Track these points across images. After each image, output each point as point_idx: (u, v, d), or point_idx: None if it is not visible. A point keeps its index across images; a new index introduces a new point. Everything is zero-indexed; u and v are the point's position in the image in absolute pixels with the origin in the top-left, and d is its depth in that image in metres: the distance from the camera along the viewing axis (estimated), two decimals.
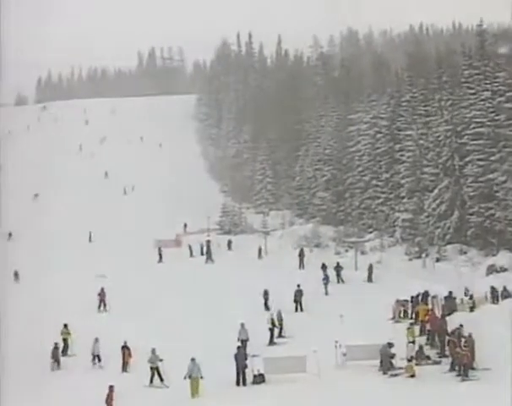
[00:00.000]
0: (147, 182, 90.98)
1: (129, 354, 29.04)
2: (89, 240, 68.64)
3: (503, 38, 68.44)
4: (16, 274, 51.21)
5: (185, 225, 72.93)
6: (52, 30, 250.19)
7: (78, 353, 30.98)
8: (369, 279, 46.33)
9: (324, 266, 46.99)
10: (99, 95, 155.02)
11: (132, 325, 35.27)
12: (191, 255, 61.04)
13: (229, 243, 64.18)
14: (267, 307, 38.78)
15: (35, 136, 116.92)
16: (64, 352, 32.08)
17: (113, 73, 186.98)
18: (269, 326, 32.34)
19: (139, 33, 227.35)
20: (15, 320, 37.07)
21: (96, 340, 30.15)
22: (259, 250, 59.08)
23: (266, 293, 39.38)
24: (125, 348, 29.14)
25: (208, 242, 62.43)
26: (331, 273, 44.87)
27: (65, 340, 32.37)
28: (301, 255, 53.67)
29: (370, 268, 46.80)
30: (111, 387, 23.97)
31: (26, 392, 26.71)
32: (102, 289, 41.91)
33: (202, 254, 60.80)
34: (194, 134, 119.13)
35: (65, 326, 32.64)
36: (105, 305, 41.51)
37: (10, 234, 67.34)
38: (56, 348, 30.42)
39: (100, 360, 29.95)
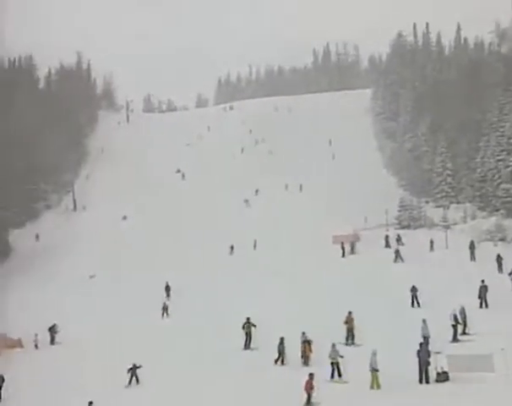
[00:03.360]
0: (324, 176, 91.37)
1: (310, 349, 29.29)
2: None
3: None
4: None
5: (365, 218, 72.39)
6: (228, 31, 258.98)
7: (261, 346, 31.58)
8: None
9: (499, 258, 45.11)
10: (274, 93, 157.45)
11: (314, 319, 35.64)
12: (343, 255, 58.19)
13: (398, 237, 62.53)
14: (417, 303, 37.98)
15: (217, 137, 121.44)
16: (247, 345, 32.96)
17: (289, 71, 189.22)
18: (452, 322, 31.31)
19: (314, 30, 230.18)
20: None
21: (303, 334, 30.25)
22: (431, 243, 57.46)
23: (414, 289, 38.37)
24: (306, 342, 29.42)
25: (387, 237, 61.77)
26: None
27: (247, 333, 33.25)
28: (471, 247, 51.59)
29: None
30: (310, 375, 24.43)
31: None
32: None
33: (352, 253, 59.08)
34: (371, 128, 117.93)
35: (247, 319, 33.42)
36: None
37: (235, 249, 65.08)
38: (281, 343, 30.25)
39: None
